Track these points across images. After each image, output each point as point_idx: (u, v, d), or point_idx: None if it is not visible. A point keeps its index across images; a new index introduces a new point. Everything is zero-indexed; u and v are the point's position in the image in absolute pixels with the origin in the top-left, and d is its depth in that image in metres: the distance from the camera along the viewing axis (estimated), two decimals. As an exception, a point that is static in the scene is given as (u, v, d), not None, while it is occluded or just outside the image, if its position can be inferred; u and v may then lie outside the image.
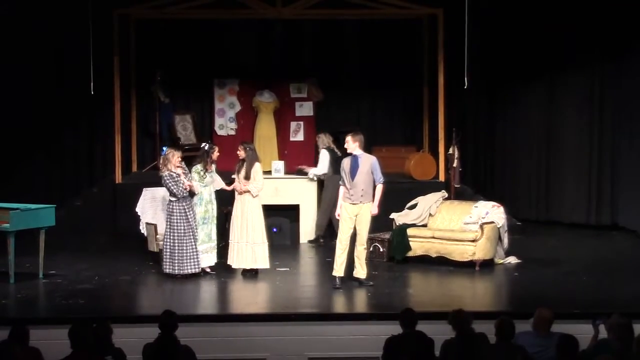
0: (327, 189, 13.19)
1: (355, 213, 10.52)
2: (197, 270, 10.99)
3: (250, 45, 15.57)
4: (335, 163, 12.58)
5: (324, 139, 13.47)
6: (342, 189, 10.58)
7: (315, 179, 13.44)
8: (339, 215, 10.57)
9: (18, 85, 14.02)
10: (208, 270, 11.26)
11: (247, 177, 11.09)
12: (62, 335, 7.03)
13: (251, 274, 11.19)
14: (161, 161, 11.15)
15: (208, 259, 11.26)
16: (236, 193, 11.19)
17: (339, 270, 10.52)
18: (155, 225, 11.81)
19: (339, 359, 9.07)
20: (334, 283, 10.52)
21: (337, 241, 10.58)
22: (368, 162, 10.58)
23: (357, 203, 10.50)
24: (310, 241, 13.37)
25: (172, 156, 10.98)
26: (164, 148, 11.33)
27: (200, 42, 15.53)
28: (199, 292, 10.71)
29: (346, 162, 10.62)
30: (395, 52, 15.80)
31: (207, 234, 11.21)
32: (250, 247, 11.11)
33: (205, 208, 11.22)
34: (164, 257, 11.01)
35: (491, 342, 7.17)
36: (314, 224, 13.45)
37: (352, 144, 10.62)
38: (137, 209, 12.36)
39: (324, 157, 13.29)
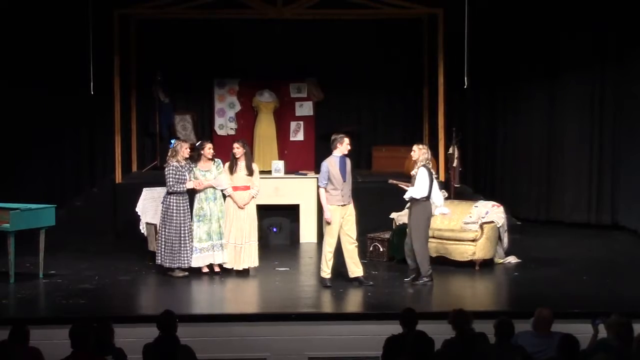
0: (419, 213, 10.75)
1: (344, 214, 10.58)
2: (190, 264, 11.06)
3: (250, 45, 15.57)
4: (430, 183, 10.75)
5: (426, 154, 10.83)
6: (323, 192, 10.54)
7: (407, 200, 10.86)
8: (329, 219, 10.55)
9: (18, 85, 14.02)
10: (217, 269, 11.29)
11: (251, 173, 11.15)
12: (62, 335, 7.03)
13: (244, 273, 11.22)
14: (169, 152, 11.20)
15: (221, 256, 11.26)
16: (232, 192, 11.16)
17: (329, 272, 10.61)
18: (155, 225, 11.81)
19: (339, 359, 9.08)
20: (324, 282, 10.60)
21: (327, 245, 10.57)
22: (349, 163, 10.75)
23: (346, 204, 10.59)
24: (413, 280, 10.85)
25: (180, 147, 11.08)
26: (172, 141, 11.40)
27: (201, 42, 15.54)
28: (199, 291, 10.73)
29: (332, 164, 10.59)
30: (395, 52, 15.81)
31: (214, 231, 11.22)
32: (248, 246, 11.16)
33: (208, 204, 11.24)
34: (159, 250, 11.06)
35: (491, 342, 7.18)
36: (413, 261, 10.87)
37: (347, 146, 10.66)
38: (137, 209, 12.36)
39: (424, 176, 10.63)
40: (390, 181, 11.40)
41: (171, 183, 10.99)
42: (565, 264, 11.86)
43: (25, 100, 14.19)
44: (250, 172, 11.18)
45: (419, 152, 10.75)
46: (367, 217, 12.19)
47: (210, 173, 11.20)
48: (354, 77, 15.73)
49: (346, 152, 10.68)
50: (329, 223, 10.55)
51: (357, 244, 10.72)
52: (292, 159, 14.94)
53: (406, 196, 10.78)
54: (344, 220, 10.58)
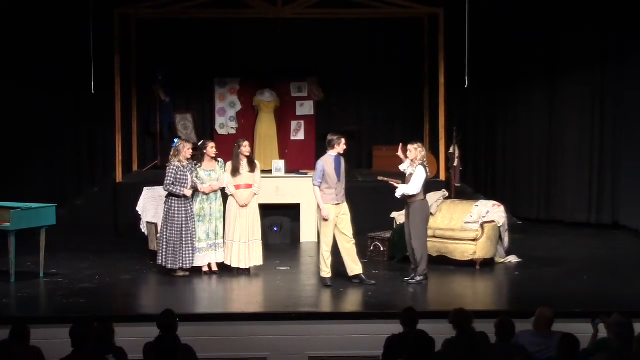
0: (417, 213, 10.82)
1: (338, 213, 10.60)
2: (191, 265, 11.06)
3: (251, 44, 15.57)
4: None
5: (422, 152, 10.85)
6: (318, 190, 10.56)
7: (399, 197, 10.83)
8: (326, 216, 10.57)
9: (19, 85, 14.02)
10: (215, 268, 11.31)
11: (252, 169, 11.19)
12: (63, 334, 7.04)
13: (245, 272, 11.24)
14: (172, 152, 11.20)
15: (215, 255, 11.28)
16: (234, 191, 11.17)
17: (329, 271, 10.62)
18: (156, 225, 11.81)
19: (339, 358, 9.08)
20: (325, 282, 10.61)
21: (323, 244, 10.58)
22: (343, 162, 10.78)
23: (340, 203, 10.62)
24: (411, 281, 10.83)
25: (182, 147, 11.07)
26: (175, 140, 11.41)
27: (201, 41, 15.54)
28: (200, 291, 10.73)
29: (328, 163, 10.60)
30: (395, 51, 15.81)
31: (212, 230, 11.23)
32: (253, 244, 11.16)
33: (209, 204, 11.26)
34: (161, 250, 11.06)
35: (492, 342, 7.18)
36: (417, 259, 10.81)
37: (344, 146, 10.68)
38: (138, 208, 12.37)
39: (421, 175, 10.67)
40: (380, 178, 11.43)
41: (168, 182, 10.96)
42: (566, 264, 11.86)
43: (25, 100, 14.19)
44: (252, 169, 11.20)
45: (416, 152, 10.76)
46: (367, 216, 12.20)
47: (214, 172, 11.22)
48: (354, 77, 15.73)
49: (341, 152, 10.71)
50: (326, 220, 10.56)
51: (354, 242, 10.72)
52: (292, 158, 14.94)
53: (398, 194, 10.80)
54: (338, 219, 10.60)
